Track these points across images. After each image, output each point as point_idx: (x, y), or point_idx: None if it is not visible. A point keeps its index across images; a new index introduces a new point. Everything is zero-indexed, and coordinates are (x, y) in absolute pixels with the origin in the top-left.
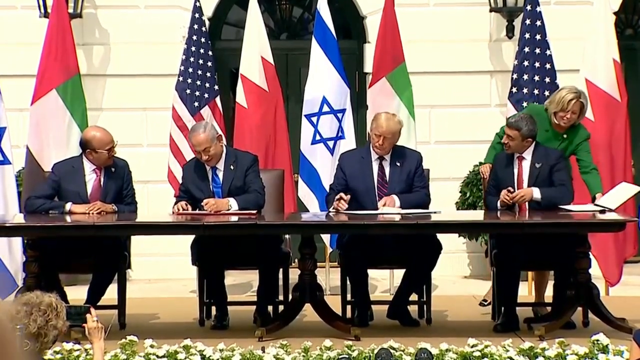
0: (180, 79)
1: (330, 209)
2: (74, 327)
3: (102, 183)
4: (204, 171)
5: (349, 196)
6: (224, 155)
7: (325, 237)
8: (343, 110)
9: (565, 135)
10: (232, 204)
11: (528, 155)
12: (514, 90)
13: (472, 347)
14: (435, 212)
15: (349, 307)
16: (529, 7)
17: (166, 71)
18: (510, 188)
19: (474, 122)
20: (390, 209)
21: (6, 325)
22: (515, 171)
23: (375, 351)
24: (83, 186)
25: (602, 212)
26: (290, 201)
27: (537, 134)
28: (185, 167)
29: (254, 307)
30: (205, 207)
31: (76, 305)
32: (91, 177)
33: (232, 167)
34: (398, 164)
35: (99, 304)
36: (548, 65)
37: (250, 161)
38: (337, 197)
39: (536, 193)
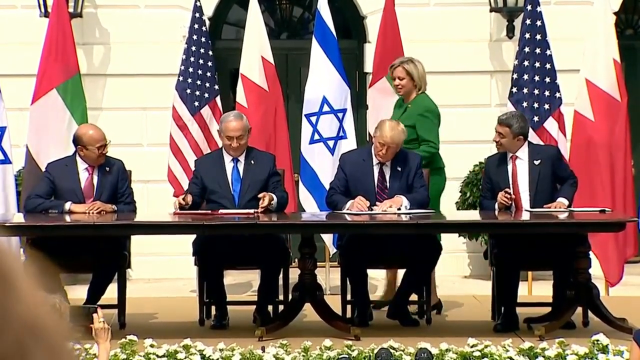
0: (181, 78)
1: (346, 208)
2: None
3: (94, 182)
4: (221, 164)
5: (368, 202)
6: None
7: (327, 238)
8: (344, 110)
9: (409, 105)
10: (274, 202)
11: (523, 154)
12: (514, 90)
13: (472, 347)
14: (430, 212)
15: (349, 307)
16: (529, 7)
17: (166, 71)
18: (507, 189)
19: (474, 122)
20: (391, 209)
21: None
22: (510, 171)
23: (375, 351)
24: (78, 184)
25: (602, 211)
26: (291, 201)
27: (528, 131)
28: (198, 162)
29: (253, 307)
30: (262, 200)
31: (82, 306)
32: (83, 176)
33: (252, 162)
34: (399, 169)
35: (98, 303)
36: (548, 65)
37: (273, 160)
38: (358, 198)
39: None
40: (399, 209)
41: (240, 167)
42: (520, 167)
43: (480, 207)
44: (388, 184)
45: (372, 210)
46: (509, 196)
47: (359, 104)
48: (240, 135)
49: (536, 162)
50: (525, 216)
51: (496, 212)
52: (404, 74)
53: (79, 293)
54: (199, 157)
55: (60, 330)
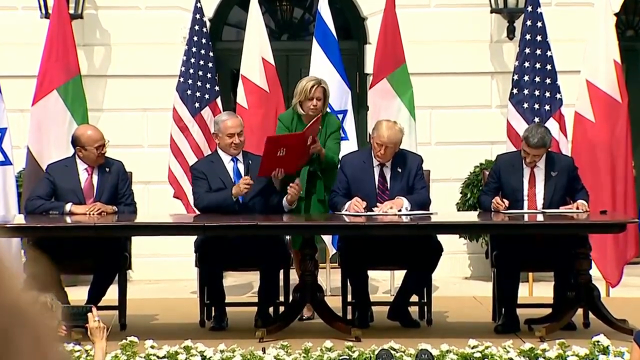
0: (181, 79)
1: (344, 209)
2: (76, 328)
3: (94, 182)
4: (220, 164)
5: (364, 203)
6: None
7: (327, 239)
8: (344, 111)
9: (321, 127)
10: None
11: (541, 162)
12: (515, 91)
13: (472, 348)
14: (432, 214)
15: (349, 308)
16: (529, 9)
17: (167, 72)
18: (505, 200)
19: (475, 124)
20: (392, 210)
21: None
22: (526, 177)
23: (376, 352)
24: (78, 185)
25: (603, 212)
26: None
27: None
28: (196, 166)
29: (254, 308)
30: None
31: (77, 305)
32: (83, 176)
33: (250, 162)
34: (399, 170)
35: (99, 304)
36: (549, 67)
37: None
38: (354, 200)
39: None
40: (399, 210)
41: (240, 166)
42: (537, 175)
43: (478, 202)
44: (389, 186)
45: (373, 211)
46: (501, 204)
47: (360, 105)
48: (240, 132)
49: (553, 174)
50: (526, 217)
51: (491, 212)
52: (322, 94)
53: (79, 294)
54: (195, 161)
55: (45, 320)
